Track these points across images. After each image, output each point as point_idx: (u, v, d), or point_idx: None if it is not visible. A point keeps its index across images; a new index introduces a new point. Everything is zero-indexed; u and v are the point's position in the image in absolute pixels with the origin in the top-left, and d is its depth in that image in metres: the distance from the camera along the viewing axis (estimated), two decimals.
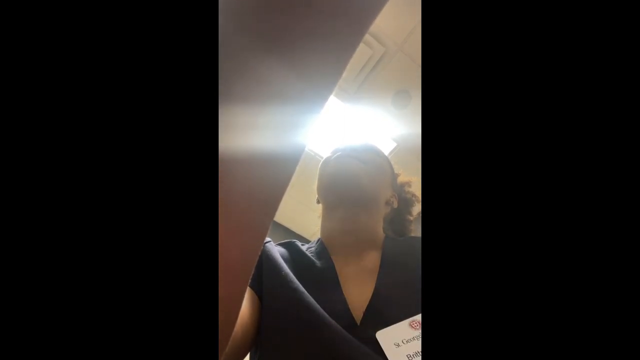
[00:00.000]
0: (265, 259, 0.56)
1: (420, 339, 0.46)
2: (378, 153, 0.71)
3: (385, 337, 0.46)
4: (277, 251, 0.59)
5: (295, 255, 0.61)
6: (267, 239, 0.63)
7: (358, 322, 0.48)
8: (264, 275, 0.54)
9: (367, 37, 1.71)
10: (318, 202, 0.72)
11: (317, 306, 0.47)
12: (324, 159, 0.70)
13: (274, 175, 0.20)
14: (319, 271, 0.57)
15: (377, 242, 0.63)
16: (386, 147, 2.10)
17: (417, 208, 0.79)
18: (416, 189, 0.79)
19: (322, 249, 0.62)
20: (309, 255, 0.61)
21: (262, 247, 0.23)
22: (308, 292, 0.50)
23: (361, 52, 1.74)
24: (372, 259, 0.59)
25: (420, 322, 0.48)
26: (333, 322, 0.46)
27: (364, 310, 0.50)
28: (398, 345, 0.45)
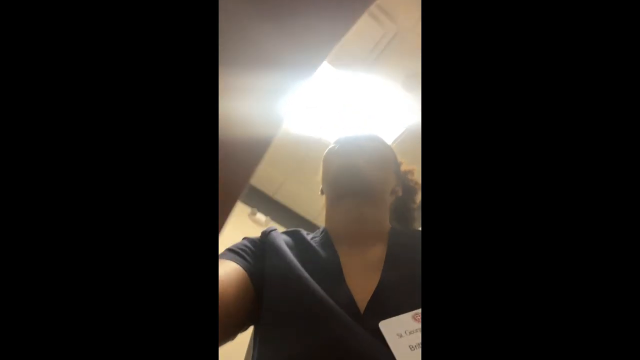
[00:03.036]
0: (270, 246, 0.57)
1: None
2: (382, 142, 0.71)
3: (389, 327, 0.46)
4: (282, 239, 0.59)
5: (299, 245, 0.61)
6: (272, 227, 0.64)
7: (362, 312, 0.48)
8: (267, 262, 0.54)
9: (378, 14, 1.66)
10: (322, 192, 0.72)
11: (323, 293, 0.47)
12: (327, 149, 0.69)
13: (256, 135, 0.20)
14: (323, 262, 0.57)
15: (382, 234, 0.63)
16: (395, 131, 2.06)
17: (420, 196, 0.80)
18: (419, 176, 0.79)
19: (327, 240, 0.62)
20: (314, 245, 0.61)
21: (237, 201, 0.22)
22: None
23: (372, 30, 1.69)
24: (378, 251, 0.59)
25: None
26: (338, 308, 0.46)
27: (368, 300, 0.49)
28: (401, 335, 0.45)
